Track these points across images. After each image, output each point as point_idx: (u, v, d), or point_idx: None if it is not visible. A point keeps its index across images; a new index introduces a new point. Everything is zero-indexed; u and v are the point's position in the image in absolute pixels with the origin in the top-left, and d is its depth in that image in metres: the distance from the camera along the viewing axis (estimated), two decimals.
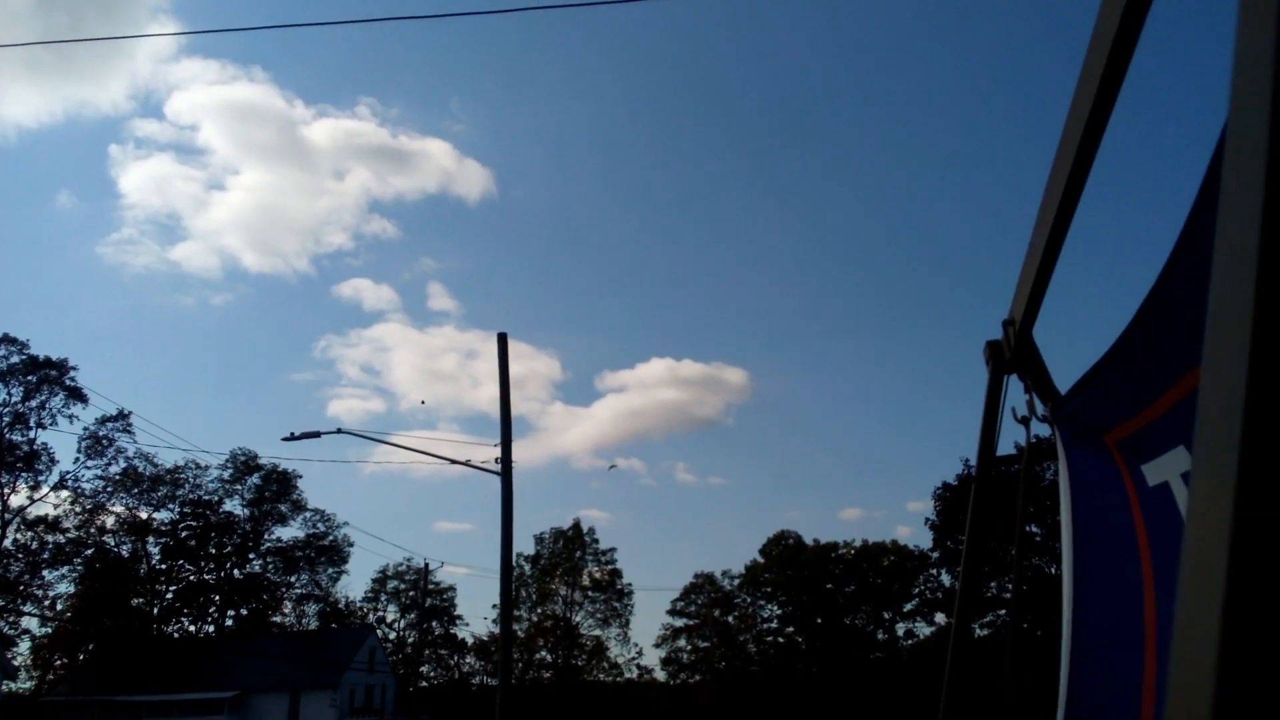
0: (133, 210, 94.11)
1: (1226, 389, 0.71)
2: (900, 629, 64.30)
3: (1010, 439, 3.25)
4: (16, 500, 49.38)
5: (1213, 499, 0.69)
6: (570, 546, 69.07)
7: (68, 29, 79.18)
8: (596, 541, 70.01)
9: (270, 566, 62.48)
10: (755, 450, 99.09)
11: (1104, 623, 2.60)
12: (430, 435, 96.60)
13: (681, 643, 68.56)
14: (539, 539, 69.75)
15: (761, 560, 67.79)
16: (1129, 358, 2.40)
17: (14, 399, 47.39)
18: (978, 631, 46.91)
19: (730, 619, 67.98)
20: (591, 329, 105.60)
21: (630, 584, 69.28)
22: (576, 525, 70.10)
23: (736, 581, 68.53)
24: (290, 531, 65.39)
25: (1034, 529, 45.09)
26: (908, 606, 63.88)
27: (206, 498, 59.52)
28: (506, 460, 20.85)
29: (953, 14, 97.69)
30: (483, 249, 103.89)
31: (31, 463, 48.14)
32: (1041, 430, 2.94)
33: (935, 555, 58.74)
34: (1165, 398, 2.26)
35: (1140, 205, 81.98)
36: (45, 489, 49.76)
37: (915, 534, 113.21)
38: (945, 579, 60.21)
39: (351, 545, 63.81)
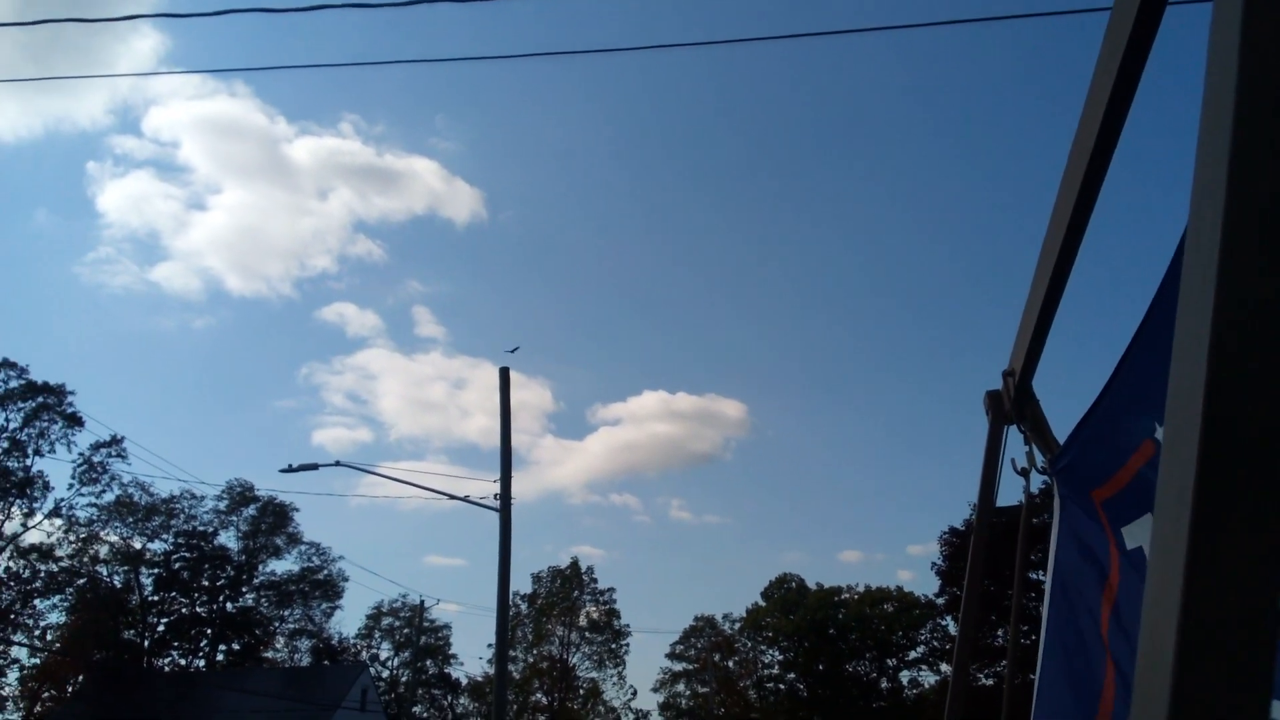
0: (111, 229, 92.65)
1: (1181, 460, 0.72)
2: (904, 677, 63.14)
3: (1014, 488, 3.18)
4: (10, 527, 48.69)
5: (1164, 579, 0.71)
6: (568, 585, 68.07)
7: (48, 42, 77.98)
8: (595, 581, 69.09)
9: (264, 600, 61.54)
10: (753, 488, 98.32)
11: (1067, 672, 2.63)
12: (417, 467, 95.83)
13: (680, 687, 67.33)
14: (536, 577, 68.83)
15: (763, 604, 66.75)
16: (1110, 412, 2.38)
17: (11, 425, 46.93)
18: (983, 681, 45.86)
19: (731, 664, 66.78)
20: (584, 359, 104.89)
21: (628, 625, 68.24)
22: (575, 564, 69.20)
23: (737, 625, 67.46)
24: (285, 565, 64.46)
25: (1040, 577, 44.37)
26: (913, 654, 62.75)
27: (201, 529, 58.79)
28: (506, 498, 20.30)
29: (948, 62, 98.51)
30: (471, 273, 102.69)
31: (26, 489, 47.50)
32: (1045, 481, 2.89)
33: (941, 602, 57.77)
34: (1138, 455, 2.24)
35: (1147, 250, 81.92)
36: (39, 516, 49.11)
37: (917, 578, 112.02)
38: (952, 627, 59.19)
39: (346, 580, 62.87)
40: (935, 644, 61.38)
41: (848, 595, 65.35)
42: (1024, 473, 2.84)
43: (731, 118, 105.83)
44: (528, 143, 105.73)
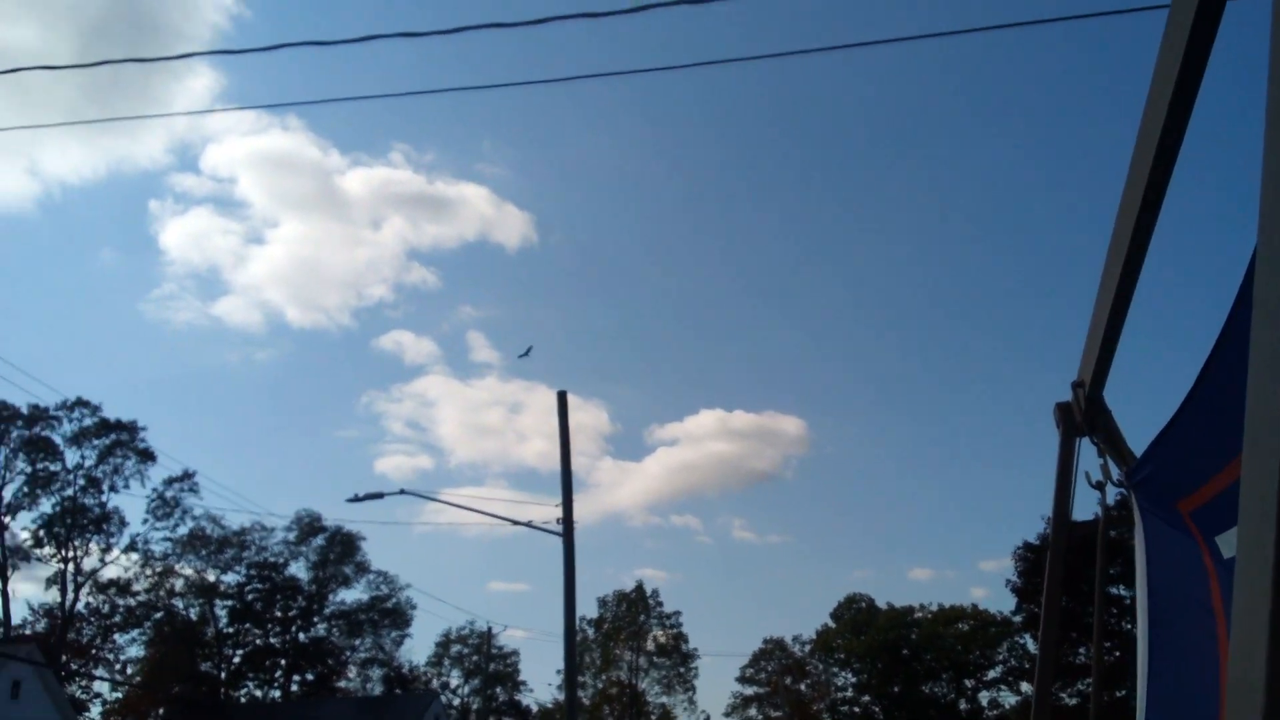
0: (173, 266, 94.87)
1: (1265, 473, 0.71)
2: (984, 698, 61.35)
3: (1089, 501, 3.09)
4: (89, 563, 49.94)
5: (1254, 582, 0.71)
6: (633, 609, 67.60)
7: (108, 83, 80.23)
8: (660, 604, 68.50)
9: (335, 630, 62.21)
10: (816, 505, 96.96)
11: (1179, 696, 2.54)
12: (478, 493, 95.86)
13: (753, 712, 66.28)
14: (602, 602, 68.46)
15: (833, 625, 65.51)
16: (1196, 422, 2.30)
17: (87, 462, 48.23)
18: (1066, 700, 44.33)
19: (803, 687, 65.58)
20: (639, 379, 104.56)
21: (696, 649, 67.47)
22: (639, 587, 68.71)
23: (807, 647, 66.28)
24: (354, 594, 65.16)
25: (1121, 592, 42.79)
26: (991, 674, 60.98)
27: (272, 559, 59.70)
28: (569, 523, 20.12)
29: (1009, 68, 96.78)
30: (524, 296, 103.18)
31: (103, 525, 48.75)
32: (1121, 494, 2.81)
33: (1019, 619, 56.08)
34: (1234, 465, 2.04)
35: (1223, 248, 79.21)
36: (116, 551, 50.31)
37: (991, 595, 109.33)
38: (1030, 645, 57.38)
39: (414, 608, 63.30)
40: (1014, 663, 59.57)
41: (920, 614, 63.82)
42: (1099, 486, 2.76)
43: (784, 128, 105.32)
44: (575, 163, 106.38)
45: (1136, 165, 2.05)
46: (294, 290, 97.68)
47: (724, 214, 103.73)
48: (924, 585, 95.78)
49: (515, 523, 23.01)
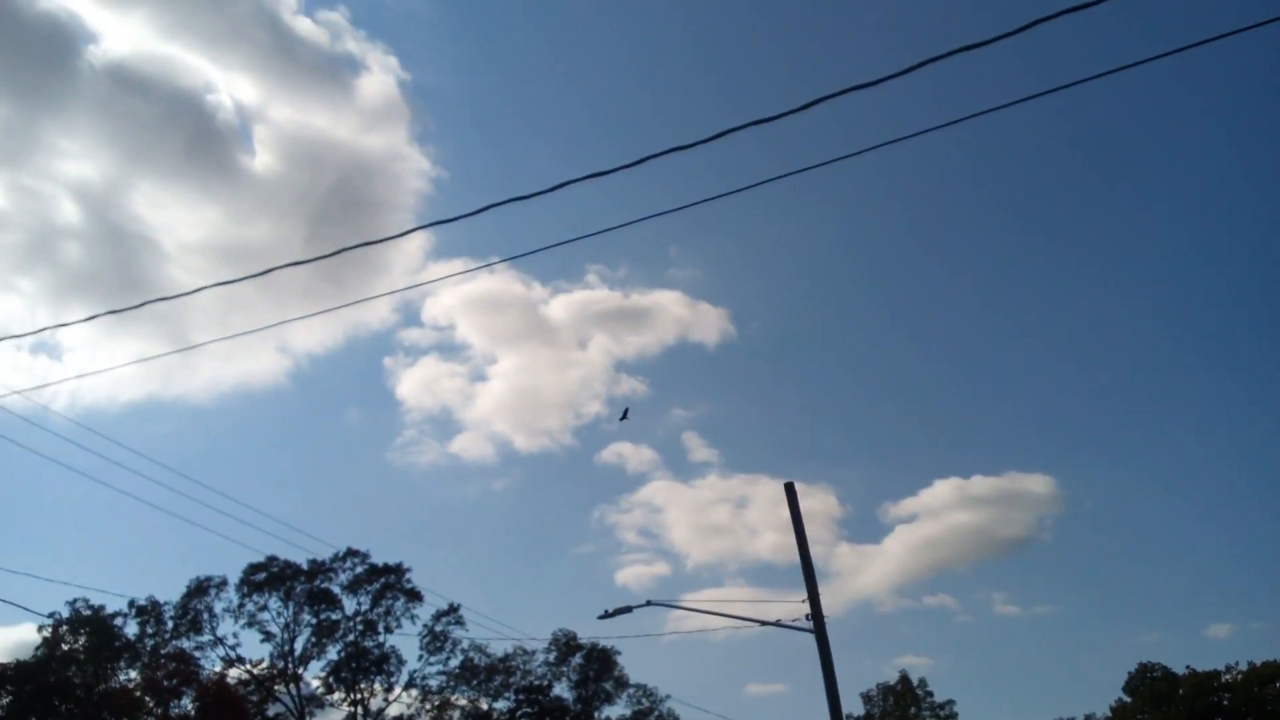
0: (411, 413, 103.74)
1: None
2: None
3: None
4: (375, 703, 53.22)
5: None
6: (901, 703, 64.20)
7: (336, 260, 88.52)
8: (930, 694, 64.70)
9: None
10: (1083, 567, 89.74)
11: None
12: (719, 595, 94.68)
13: None
14: (866, 698, 65.49)
15: (1127, 698, 59.51)
16: None
17: (363, 608, 51.97)
18: None
19: None
20: (862, 458, 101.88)
21: None
22: (904, 678, 65.31)
23: None
24: (617, 709, 65.64)
25: None
26: None
27: (537, 682, 61.34)
28: (819, 620, 19.69)
29: (1239, 88, 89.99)
30: (730, 389, 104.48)
31: (383, 665, 52.01)
32: None
33: None
34: None
35: None
36: (398, 689, 53.38)
37: None
38: None
39: (677, 719, 62.96)
40: None
41: (1229, 676, 56.92)
42: None
43: (969, 188, 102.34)
44: (762, 253, 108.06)
45: None
46: (518, 418, 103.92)
47: (915, 281, 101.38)
48: (1227, 643, 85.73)
49: (763, 623, 22.78)
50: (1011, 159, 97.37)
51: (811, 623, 19.94)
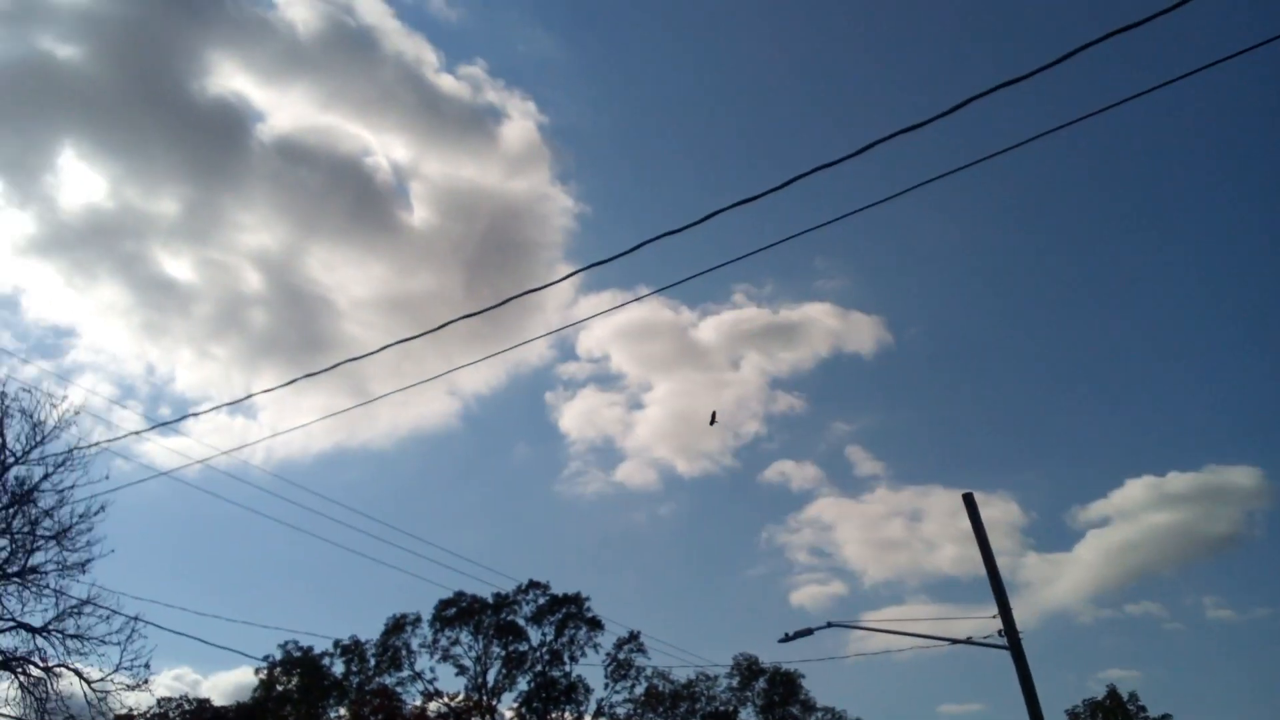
0: (575, 445, 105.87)
1: None
2: None
3: None
4: None
5: None
6: (1112, 719, 60.24)
7: (495, 300, 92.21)
8: (1143, 709, 60.39)
9: None
10: None
11: None
12: (901, 613, 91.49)
13: None
14: (1072, 715, 61.74)
15: None
16: None
17: (548, 638, 53.30)
18: None
19: None
20: (1043, 461, 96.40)
21: None
22: (1113, 693, 61.17)
23: None
24: None
25: None
26: None
27: (722, 708, 61.13)
28: (1013, 635, 18.86)
29: None
30: (892, 398, 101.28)
31: (571, 695, 53.10)
32: None
33: None
34: None
35: None
36: (587, 718, 54.33)
37: None
38: None
39: None
40: None
41: None
42: None
43: (1125, 178, 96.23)
44: (914, 254, 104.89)
45: None
46: (679, 443, 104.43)
47: (1089, 268, 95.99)
48: None
49: (953, 641, 22.02)
50: (1190, 140, 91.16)
51: (1005, 638, 19.16)
